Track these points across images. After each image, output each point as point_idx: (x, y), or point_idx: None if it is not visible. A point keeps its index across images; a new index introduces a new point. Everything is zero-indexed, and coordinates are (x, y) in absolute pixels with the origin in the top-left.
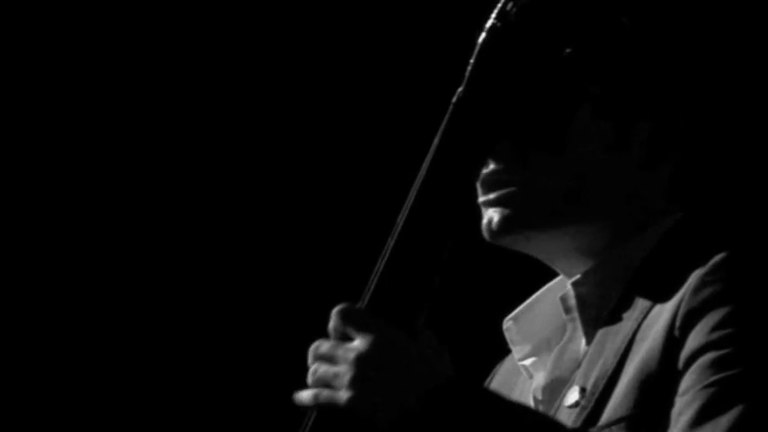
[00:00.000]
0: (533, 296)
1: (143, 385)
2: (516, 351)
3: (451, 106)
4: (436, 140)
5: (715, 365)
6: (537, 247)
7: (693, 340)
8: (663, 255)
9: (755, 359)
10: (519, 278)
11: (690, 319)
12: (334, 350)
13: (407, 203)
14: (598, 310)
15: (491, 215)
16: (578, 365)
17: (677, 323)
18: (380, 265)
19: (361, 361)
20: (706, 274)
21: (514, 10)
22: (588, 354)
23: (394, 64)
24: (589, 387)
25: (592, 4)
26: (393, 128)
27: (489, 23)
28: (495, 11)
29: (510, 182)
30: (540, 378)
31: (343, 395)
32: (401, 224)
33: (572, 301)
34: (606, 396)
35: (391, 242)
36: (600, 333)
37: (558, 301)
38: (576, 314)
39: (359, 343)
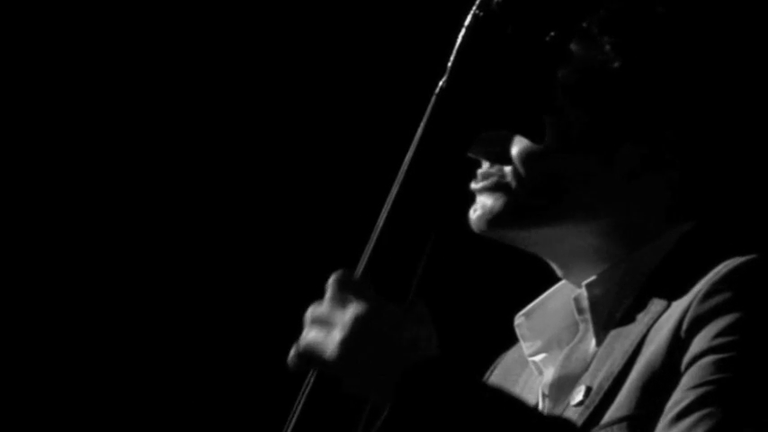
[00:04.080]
0: (545, 294)
1: (143, 385)
2: (527, 347)
3: (434, 97)
4: (420, 131)
5: (713, 367)
6: (545, 247)
7: (697, 345)
8: (677, 261)
9: (754, 367)
10: (523, 275)
11: (697, 324)
12: (328, 314)
13: (392, 193)
14: (610, 312)
15: (475, 206)
16: (587, 365)
17: (684, 326)
18: (371, 246)
19: (351, 326)
20: (716, 282)
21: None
22: (597, 354)
23: (381, 61)
24: (595, 387)
25: None
26: (380, 118)
27: (471, 13)
28: (478, 1)
29: (491, 175)
30: (549, 375)
31: (330, 356)
32: (386, 214)
33: (585, 303)
34: (611, 396)
35: (375, 234)
36: (611, 335)
37: (570, 300)
38: (588, 315)
39: (352, 309)
